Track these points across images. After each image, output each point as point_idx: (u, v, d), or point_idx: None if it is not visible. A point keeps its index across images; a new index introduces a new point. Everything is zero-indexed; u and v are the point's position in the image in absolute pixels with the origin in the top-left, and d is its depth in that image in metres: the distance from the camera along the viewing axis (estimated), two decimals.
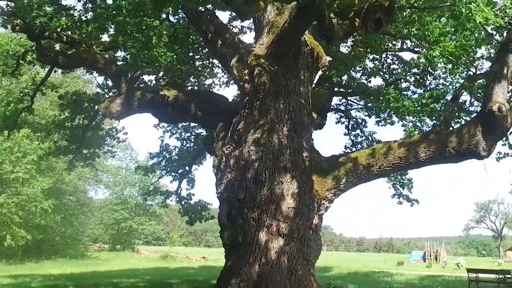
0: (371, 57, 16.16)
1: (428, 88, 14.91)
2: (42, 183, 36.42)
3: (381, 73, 15.80)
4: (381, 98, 14.12)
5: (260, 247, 10.82)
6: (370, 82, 15.80)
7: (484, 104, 10.73)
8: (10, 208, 35.22)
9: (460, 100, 13.24)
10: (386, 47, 15.63)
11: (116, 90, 13.82)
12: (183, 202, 20.92)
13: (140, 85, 14.46)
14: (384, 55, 15.90)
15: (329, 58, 14.50)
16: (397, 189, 16.45)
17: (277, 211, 10.94)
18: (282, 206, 10.99)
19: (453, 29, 11.03)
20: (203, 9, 12.23)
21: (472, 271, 18.60)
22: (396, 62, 15.84)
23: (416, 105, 12.90)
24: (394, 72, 15.68)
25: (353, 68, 15.10)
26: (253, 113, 11.64)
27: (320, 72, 13.63)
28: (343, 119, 16.91)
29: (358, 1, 9.75)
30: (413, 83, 15.40)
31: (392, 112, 14.71)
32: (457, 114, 13.32)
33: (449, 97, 13.31)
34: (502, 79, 10.64)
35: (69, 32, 12.24)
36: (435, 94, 13.22)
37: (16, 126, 18.20)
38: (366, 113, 16.13)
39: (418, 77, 15.01)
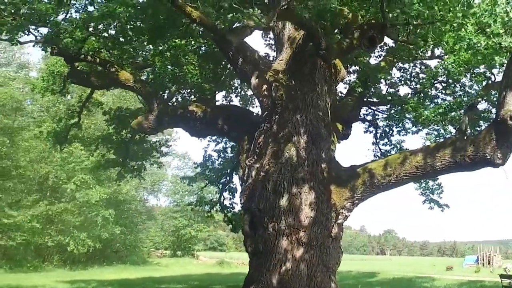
0: (401, 65, 16.40)
1: (457, 96, 14.94)
2: (100, 193, 38.24)
3: (408, 82, 15.95)
4: (403, 107, 14.34)
5: (280, 255, 11.35)
6: (398, 91, 16.04)
7: (497, 112, 10.80)
8: (71, 214, 37.27)
9: (480, 108, 13.30)
10: (416, 55, 15.75)
11: None
12: (225, 211, 21.62)
13: (172, 102, 15.20)
14: (412, 64, 16.06)
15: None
16: (427, 195, 16.52)
17: (295, 221, 11.44)
18: (300, 215, 11.48)
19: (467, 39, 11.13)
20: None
21: (506, 277, 18.29)
22: (425, 70, 15.95)
23: (434, 115, 13.01)
24: (421, 81, 15.76)
25: (380, 79, 15.29)
26: (272, 126, 12.23)
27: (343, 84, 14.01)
28: (371, 129, 17.17)
29: (357, 19, 10.09)
30: (442, 91, 15.43)
31: (413, 121, 14.88)
32: (476, 122, 13.38)
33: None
34: None
35: (102, 54, 13.15)
36: (452, 103, 13.31)
37: (67, 141, 19.54)
38: (390, 123, 16.30)
39: (445, 84, 15.06)
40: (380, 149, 16.90)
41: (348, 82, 16.28)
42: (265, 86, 12.29)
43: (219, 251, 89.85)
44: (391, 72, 15.90)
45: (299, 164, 11.82)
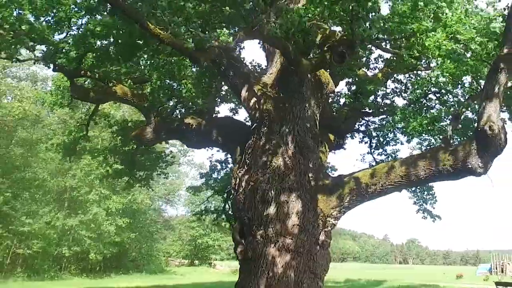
0: (397, 77, 16.70)
1: (448, 106, 15.15)
2: (116, 203, 39.15)
3: (403, 94, 16.25)
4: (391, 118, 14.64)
5: (268, 261, 11.74)
6: (393, 102, 16.33)
7: (477, 122, 11.08)
8: (86, 226, 38.21)
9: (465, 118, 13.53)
10: (410, 67, 15.99)
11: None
12: (230, 220, 22.04)
13: (169, 114, 15.72)
14: (407, 75, 16.35)
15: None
16: (421, 205, 16.74)
17: (282, 228, 11.83)
18: (288, 223, 11.88)
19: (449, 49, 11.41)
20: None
21: (501, 285, 18.36)
22: (416, 81, 16.17)
23: (419, 125, 13.25)
24: (416, 91, 15.99)
25: (371, 90, 15.58)
26: (261, 138, 12.69)
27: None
28: (366, 139, 17.45)
29: (334, 35, 10.50)
30: (436, 101, 15.67)
31: (402, 132, 15.17)
32: (465, 132, 13.63)
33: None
34: (493, 98, 10.94)
35: (101, 70, 13.73)
36: (438, 113, 13.58)
37: (75, 153, 20.26)
38: (382, 133, 16.61)
39: (438, 95, 15.29)
40: (375, 159, 17.20)
41: (344, 94, 16.67)
42: (254, 99, 12.76)
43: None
44: (385, 83, 16.25)
45: (286, 174, 12.23)
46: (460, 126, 12.92)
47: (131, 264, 48.91)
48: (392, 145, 16.99)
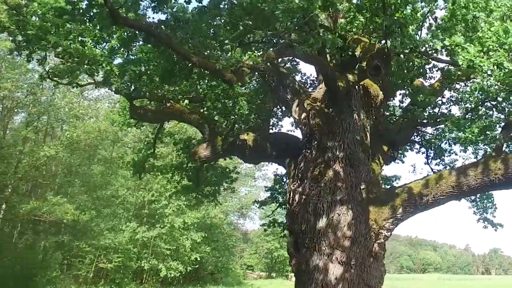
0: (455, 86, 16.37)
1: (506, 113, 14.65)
2: (192, 217, 40.42)
3: (460, 102, 15.88)
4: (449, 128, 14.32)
5: (321, 274, 11.93)
6: (450, 111, 16.00)
7: None
8: (163, 240, 39.71)
9: None
10: (463, 77, 15.62)
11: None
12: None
13: (225, 131, 16.26)
14: (463, 84, 15.99)
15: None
16: (481, 214, 16.26)
17: (334, 241, 12.00)
18: (339, 236, 12.03)
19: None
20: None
21: None
22: (469, 91, 15.73)
23: (471, 135, 12.92)
24: (469, 100, 15.58)
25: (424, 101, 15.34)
26: (311, 152, 12.96)
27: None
28: (423, 149, 17.16)
29: (374, 48, 10.55)
30: (492, 109, 15.22)
31: (454, 142, 14.83)
32: None
33: None
34: None
35: (158, 91, 14.50)
36: (488, 123, 13.21)
37: (145, 170, 21.29)
38: (436, 143, 16.30)
39: (494, 103, 14.85)
40: (432, 169, 16.88)
41: (398, 105, 16.55)
42: (304, 114, 13.05)
43: None
44: (442, 92, 15.96)
45: (337, 187, 12.40)
46: None
47: (209, 277, 50.09)
48: (448, 156, 16.66)
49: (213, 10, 9.59)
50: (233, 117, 15.56)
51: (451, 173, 12.02)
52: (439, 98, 15.87)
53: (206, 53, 8.91)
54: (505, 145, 13.00)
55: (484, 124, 13.19)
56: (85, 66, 11.30)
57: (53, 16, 10.03)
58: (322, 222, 12.21)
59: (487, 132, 13.51)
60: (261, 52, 9.36)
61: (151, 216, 42.30)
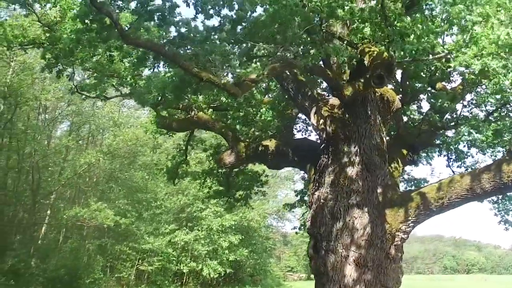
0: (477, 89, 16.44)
1: None
2: (229, 220, 41.22)
3: (481, 105, 15.93)
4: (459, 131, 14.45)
5: (338, 275, 12.36)
6: (471, 113, 16.07)
7: None
8: (201, 243, 40.64)
9: None
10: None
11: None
12: None
13: (248, 138, 16.83)
14: (484, 86, 16.03)
15: None
16: (502, 216, 16.26)
17: (351, 243, 12.41)
18: (356, 238, 12.43)
19: None
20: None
21: None
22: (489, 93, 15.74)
23: (486, 139, 13.03)
24: (487, 102, 15.62)
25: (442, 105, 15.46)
26: (329, 157, 13.40)
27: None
28: (445, 152, 17.24)
29: (381, 56, 10.85)
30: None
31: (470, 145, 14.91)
32: None
33: None
34: None
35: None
36: (499, 126, 13.28)
37: (178, 176, 22.08)
38: (455, 147, 16.38)
39: None
40: (453, 172, 16.97)
41: (415, 109, 16.75)
42: (322, 121, 13.49)
43: None
44: (465, 95, 16.06)
45: (354, 191, 12.80)
46: None
47: (248, 279, 50.81)
48: (468, 158, 16.75)
49: (223, 31, 10.22)
50: (255, 124, 16.08)
51: (466, 176, 12.22)
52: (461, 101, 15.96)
53: (212, 68, 9.46)
54: None
55: (498, 127, 13.30)
56: (111, 79, 12.05)
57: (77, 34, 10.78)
58: (339, 225, 12.64)
59: (504, 135, 13.59)
60: (266, 66, 9.81)
61: (189, 219, 43.29)
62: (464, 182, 12.11)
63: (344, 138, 13.18)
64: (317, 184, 13.67)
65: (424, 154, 17.98)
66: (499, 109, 15.08)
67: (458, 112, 15.99)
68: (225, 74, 9.39)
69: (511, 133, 13.73)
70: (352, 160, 13.05)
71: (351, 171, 12.97)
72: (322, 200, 13.20)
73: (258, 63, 9.78)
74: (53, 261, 33.77)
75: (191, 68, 9.18)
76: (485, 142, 13.24)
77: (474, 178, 12.00)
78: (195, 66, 9.29)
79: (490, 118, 15.40)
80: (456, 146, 16.59)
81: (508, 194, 15.96)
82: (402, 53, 9.54)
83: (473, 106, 16.27)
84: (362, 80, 11.77)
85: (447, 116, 15.83)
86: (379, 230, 12.58)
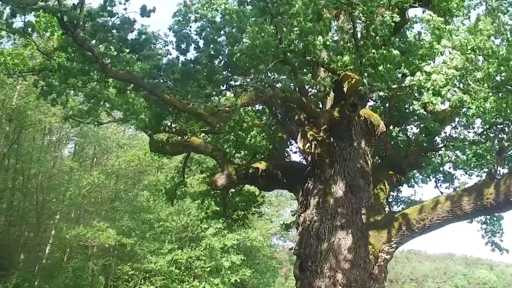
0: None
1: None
2: (231, 239, 41.42)
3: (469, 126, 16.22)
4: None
5: None
6: (460, 135, 16.38)
7: None
8: (203, 261, 40.87)
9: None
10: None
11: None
12: None
13: (238, 161, 17.27)
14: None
15: None
16: (490, 237, 16.47)
17: (335, 264, 12.74)
18: (340, 259, 12.76)
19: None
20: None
21: None
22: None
23: (469, 160, 13.34)
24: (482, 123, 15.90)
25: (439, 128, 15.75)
26: (315, 180, 13.80)
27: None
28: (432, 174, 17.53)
29: (358, 84, 11.28)
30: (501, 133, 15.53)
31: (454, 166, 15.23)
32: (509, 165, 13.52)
33: None
34: None
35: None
36: (478, 149, 13.58)
37: (176, 197, 22.50)
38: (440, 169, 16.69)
39: (501, 126, 15.17)
40: (441, 194, 17.19)
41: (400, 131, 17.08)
42: (308, 144, 13.91)
43: None
44: (453, 118, 16.40)
45: (338, 213, 13.17)
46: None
47: None
48: (456, 179, 17.01)
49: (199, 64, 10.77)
50: (246, 147, 16.52)
51: (446, 199, 12.57)
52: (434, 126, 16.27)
53: (189, 98, 9.89)
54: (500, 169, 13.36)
55: (476, 150, 13.63)
56: (104, 105, 12.52)
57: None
58: (324, 246, 12.98)
59: (487, 156, 13.90)
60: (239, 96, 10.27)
61: (191, 239, 43.49)
62: (445, 204, 12.45)
63: (329, 161, 13.59)
64: (303, 206, 14.06)
65: (411, 175, 18.24)
66: (487, 131, 15.40)
67: (447, 134, 16.27)
68: (201, 103, 9.77)
69: (493, 156, 14.00)
70: (336, 182, 13.44)
71: (336, 193, 13.35)
72: (308, 222, 13.56)
73: (232, 94, 10.22)
74: (56, 281, 34.10)
75: (167, 99, 9.65)
76: (468, 164, 13.53)
77: (455, 200, 12.35)
78: (172, 97, 9.76)
79: (478, 139, 15.73)
80: (442, 168, 16.87)
81: (496, 215, 16.23)
82: (373, 82, 9.94)
83: (462, 128, 16.54)
84: (337, 108, 12.22)
85: (437, 138, 16.15)
86: (362, 251, 12.91)
